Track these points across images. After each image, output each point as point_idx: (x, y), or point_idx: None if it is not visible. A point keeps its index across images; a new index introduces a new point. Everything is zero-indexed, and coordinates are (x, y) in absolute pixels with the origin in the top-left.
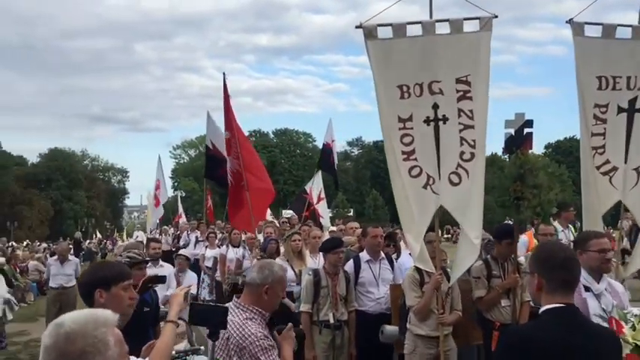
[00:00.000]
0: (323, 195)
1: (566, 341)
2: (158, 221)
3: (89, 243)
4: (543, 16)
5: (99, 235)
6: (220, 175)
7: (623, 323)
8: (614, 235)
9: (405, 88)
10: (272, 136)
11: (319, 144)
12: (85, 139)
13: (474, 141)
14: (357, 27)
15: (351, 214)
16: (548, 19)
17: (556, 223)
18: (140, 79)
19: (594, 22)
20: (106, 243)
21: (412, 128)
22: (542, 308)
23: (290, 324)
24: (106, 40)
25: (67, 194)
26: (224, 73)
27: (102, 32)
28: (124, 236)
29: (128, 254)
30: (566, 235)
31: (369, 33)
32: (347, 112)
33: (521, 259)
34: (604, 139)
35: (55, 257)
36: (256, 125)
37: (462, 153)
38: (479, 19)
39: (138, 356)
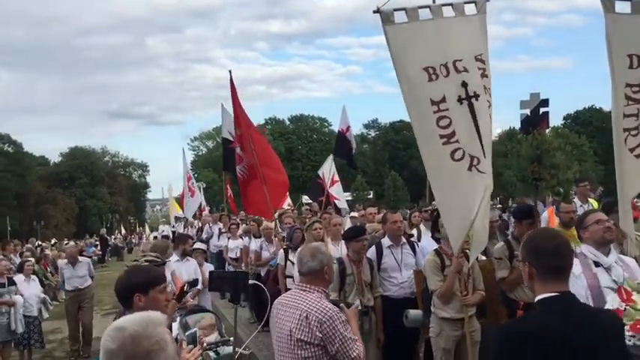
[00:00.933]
0: (337, 178)
1: (563, 332)
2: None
3: (114, 239)
4: None
5: (123, 231)
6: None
7: (633, 292)
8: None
9: (431, 70)
10: (288, 122)
11: (335, 128)
12: (105, 136)
13: (491, 118)
14: (374, 12)
15: (371, 196)
16: None
17: (576, 199)
18: (155, 73)
19: None
20: (131, 238)
21: (447, 109)
22: (537, 298)
23: (355, 303)
24: (119, 36)
25: (89, 191)
26: (230, 71)
27: (115, 28)
28: (147, 230)
29: (146, 259)
30: (585, 210)
31: (387, 18)
32: (362, 95)
33: None
34: (637, 119)
35: (66, 260)
36: (271, 113)
37: (491, 131)
38: (475, 3)
39: None
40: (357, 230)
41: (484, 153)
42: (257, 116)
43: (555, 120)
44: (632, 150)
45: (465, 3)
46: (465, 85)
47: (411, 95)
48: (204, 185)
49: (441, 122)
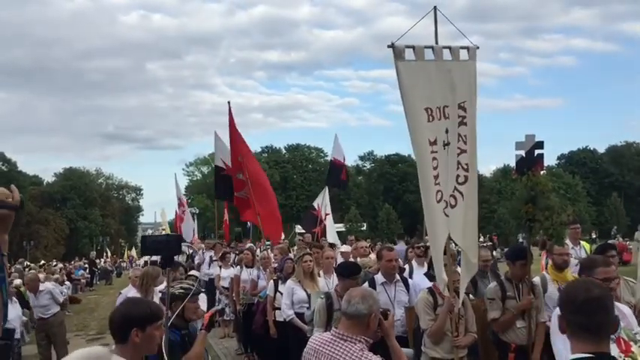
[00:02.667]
0: (329, 210)
1: None
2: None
3: (104, 262)
4: (552, 27)
5: (110, 254)
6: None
7: (631, 343)
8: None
9: (429, 111)
10: (284, 151)
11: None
12: (100, 158)
13: (467, 164)
14: (388, 46)
15: (364, 228)
16: (557, 29)
17: (567, 241)
18: (153, 98)
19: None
20: (120, 262)
21: (437, 152)
22: (570, 357)
23: (392, 311)
24: (119, 59)
25: (82, 213)
26: (229, 102)
27: (115, 52)
28: (134, 254)
29: (182, 285)
30: (576, 252)
31: (399, 54)
32: (358, 127)
33: (536, 279)
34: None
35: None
36: (268, 141)
37: (458, 176)
38: (467, 49)
39: None
40: (353, 268)
41: (448, 196)
42: (254, 144)
43: (549, 160)
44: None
45: (461, 48)
46: (447, 131)
47: (415, 133)
48: (197, 211)
49: (433, 163)
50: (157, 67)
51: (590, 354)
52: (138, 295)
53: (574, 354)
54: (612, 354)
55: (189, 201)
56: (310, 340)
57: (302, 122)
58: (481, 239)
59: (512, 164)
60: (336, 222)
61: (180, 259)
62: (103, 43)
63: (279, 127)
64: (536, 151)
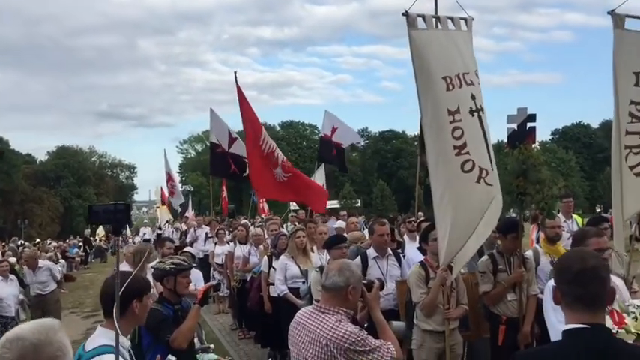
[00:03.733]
0: (325, 188)
1: None
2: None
3: (99, 240)
4: (547, 2)
5: (103, 232)
6: (233, 172)
7: (624, 314)
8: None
9: (448, 80)
10: (278, 129)
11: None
12: (94, 136)
13: None
14: (403, 14)
15: (359, 204)
16: (552, 4)
17: (560, 215)
18: (146, 75)
19: (636, 15)
20: (116, 240)
21: (461, 120)
22: (564, 327)
23: (377, 282)
24: (111, 37)
25: (76, 191)
26: (235, 72)
27: (107, 29)
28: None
29: (173, 261)
30: (568, 226)
31: (412, 22)
32: (352, 103)
33: (528, 252)
34: None
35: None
36: (262, 118)
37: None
38: (465, 20)
39: None
40: (337, 238)
41: (492, 165)
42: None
43: (543, 135)
44: (632, 168)
45: (461, 19)
46: (473, 97)
47: (431, 103)
48: (192, 189)
49: (455, 133)
50: (149, 44)
51: (585, 324)
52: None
53: (568, 324)
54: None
55: (184, 179)
56: (297, 314)
57: (295, 99)
58: None
59: (505, 139)
60: (330, 199)
61: (173, 235)
62: (95, 20)
63: (273, 104)
64: (528, 124)
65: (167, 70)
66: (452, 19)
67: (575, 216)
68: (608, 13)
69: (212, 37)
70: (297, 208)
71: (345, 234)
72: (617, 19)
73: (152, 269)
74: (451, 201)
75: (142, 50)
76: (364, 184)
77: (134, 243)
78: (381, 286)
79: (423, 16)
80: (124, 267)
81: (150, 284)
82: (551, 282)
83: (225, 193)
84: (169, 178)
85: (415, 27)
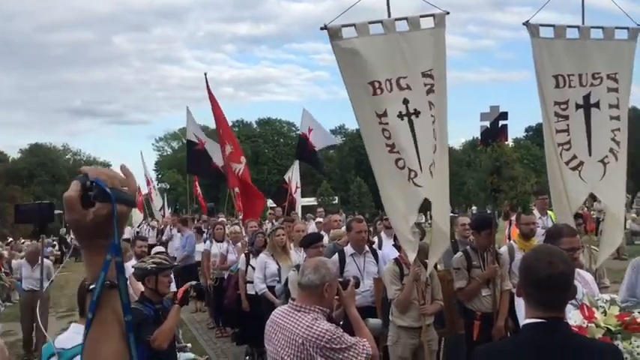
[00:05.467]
0: (299, 184)
1: None
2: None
3: (73, 239)
4: (521, 0)
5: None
6: (210, 168)
7: (594, 309)
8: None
9: (376, 84)
10: (255, 126)
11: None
12: (68, 134)
13: (437, 133)
14: (321, 29)
15: (336, 201)
16: (525, 2)
17: (535, 211)
18: (120, 72)
19: (547, 23)
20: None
21: (388, 123)
22: (524, 322)
23: (353, 279)
24: (85, 32)
25: (50, 190)
26: (205, 74)
27: (80, 25)
28: None
29: (154, 260)
30: (543, 222)
31: (335, 34)
32: (329, 100)
33: (503, 248)
34: (568, 134)
35: (25, 259)
36: (239, 115)
37: (435, 146)
38: (433, 16)
39: None
40: (314, 237)
41: (421, 167)
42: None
43: (517, 132)
44: (567, 163)
45: (422, 17)
46: (405, 102)
47: (358, 107)
48: (168, 187)
49: (385, 133)
50: (123, 41)
51: (543, 319)
52: None
53: (527, 319)
54: (576, 320)
55: (160, 177)
56: (272, 313)
57: (272, 96)
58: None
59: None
60: (308, 196)
61: (149, 234)
62: (68, 15)
63: (250, 101)
64: (501, 122)
65: (142, 66)
66: (407, 19)
67: (550, 212)
68: (524, 24)
69: (187, 33)
70: (274, 205)
71: (322, 231)
72: (533, 29)
73: (132, 269)
74: (389, 197)
75: (116, 46)
76: (341, 181)
77: None
78: (357, 284)
79: (354, 25)
80: None
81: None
82: None
83: (199, 191)
84: (148, 182)
85: (339, 37)
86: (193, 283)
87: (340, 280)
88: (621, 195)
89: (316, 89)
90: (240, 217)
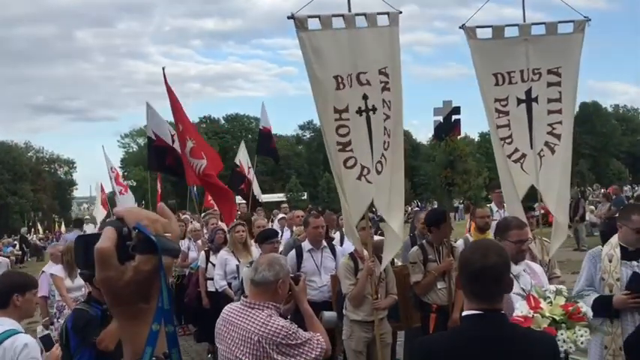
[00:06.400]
0: (250, 164)
1: (476, 357)
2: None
3: (37, 238)
4: None
5: (40, 230)
6: (169, 165)
7: (540, 300)
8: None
9: (340, 79)
10: (223, 122)
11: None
12: (29, 131)
13: (390, 130)
14: (288, 17)
15: (305, 197)
16: None
17: (492, 205)
18: (84, 67)
19: (484, 25)
20: (53, 237)
21: (348, 119)
22: (463, 313)
23: (304, 275)
24: (46, 27)
25: (11, 188)
26: (163, 68)
27: (41, 19)
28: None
29: None
30: (500, 215)
31: (301, 24)
32: (297, 96)
33: (459, 242)
34: (509, 129)
35: None
36: (206, 111)
37: (385, 142)
38: (388, 14)
39: None
40: (269, 233)
41: (373, 164)
42: (191, 114)
43: (485, 126)
44: (509, 156)
45: (378, 14)
46: (365, 97)
47: (319, 101)
48: (134, 184)
49: (340, 130)
50: (86, 35)
51: (481, 311)
52: (62, 272)
53: (466, 311)
54: (523, 310)
55: (126, 174)
56: (222, 310)
57: (240, 92)
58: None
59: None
60: (276, 191)
61: None
62: (28, 9)
63: (218, 97)
64: (454, 117)
65: (107, 62)
66: (365, 15)
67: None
68: (460, 27)
69: (153, 28)
70: (244, 202)
71: (285, 227)
72: (469, 31)
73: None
74: (342, 192)
75: (79, 41)
76: (310, 177)
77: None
78: (297, 281)
79: (319, 17)
80: (51, 267)
81: (36, 282)
82: None
83: (160, 189)
84: (117, 176)
85: (305, 28)
86: None
87: (291, 275)
88: (557, 187)
89: (284, 85)
90: (206, 214)
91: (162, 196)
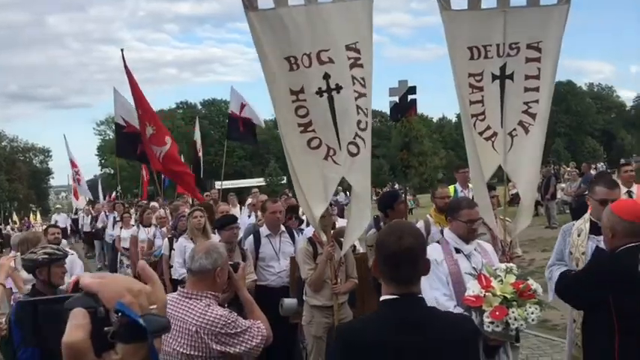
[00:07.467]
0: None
1: (394, 342)
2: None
3: (12, 229)
4: None
5: (16, 220)
6: (139, 151)
7: (491, 278)
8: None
9: (292, 60)
10: (200, 107)
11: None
12: (3, 119)
13: (366, 109)
14: None
15: (284, 181)
16: None
17: (457, 185)
18: (58, 54)
19: None
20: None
21: (305, 100)
22: (381, 298)
23: (242, 263)
24: (18, 13)
25: None
26: (122, 50)
27: (12, 5)
28: (38, 218)
29: (46, 250)
30: (466, 195)
31: (250, 4)
32: None
33: (419, 223)
34: (483, 105)
35: None
36: (183, 97)
37: (359, 122)
38: None
39: None
40: (228, 219)
41: (340, 146)
42: (168, 100)
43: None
44: (481, 133)
45: None
46: (327, 77)
47: (272, 84)
48: (112, 171)
49: (299, 112)
50: (59, 21)
51: (397, 295)
52: (19, 264)
53: (383, 296)
54: (474, 290)
55: (103, 161)
56: None
57: (217, 76)
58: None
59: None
60: (256, 176)
61: (84, 220)
62: None
63: (194, 82)
64: (410, 97)
65: (81, 48)
66: None
67: (471, 185)
68: None
69: (127, 13)
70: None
71: (258, 212)
72: (443, 2)
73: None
74: (300, 174)
75: (51, 27)
76: None
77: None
78: (235, 269)
79: None
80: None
81: None
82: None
83: (146, 176)
84: (73, 165)
85: (254, 8)
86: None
87: (230, 263)
88: (528, 168)
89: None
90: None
91: (149, 183)
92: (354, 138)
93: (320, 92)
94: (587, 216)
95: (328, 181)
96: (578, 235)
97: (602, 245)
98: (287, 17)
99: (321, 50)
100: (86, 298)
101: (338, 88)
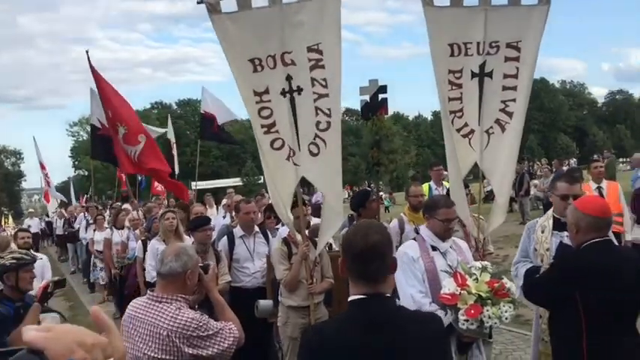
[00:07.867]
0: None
1: (362, 343)
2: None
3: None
4: None
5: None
6: (110, 155)
7: (467, 277)
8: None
9: (257, 62)
10: (175, 107)
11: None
12: None
13: (329, 110)
14: (198, 2)
15: (262, 181)
16: None
17: (432, 183)
18: (28, 54)
19: None
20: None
21: (270, 101)
22: (349, 298)
23: (213, 264)
24: None
25: None
26: (87, 52)
27: None
28: (10, 222)
29: (14, 255)
30: (440, 193)
31: (213, 7)
32: None
33: (393, 221)
34: (461, 102)
35: None
36: (158, 97)
37: (319, 123)
38: None
39: None
40: (201, 220)
41: (299, 146)
42: (142, 100)
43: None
44: (458, 130)
45: None
46: (289, 78)
47: (239, 85)
48: (86, 173)
49: (262, 112)
50: (29, 21)
51: (365, 295)
52: None
53: (351, 296)
54: (450, 288)
55: (77, 163)
56: (128, 306)
57: (193, 76)
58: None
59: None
60: (232, 176)
61: (57, 224)
62: None
63: (169, 82)
64: (380, 96)
65: (53, 48)
66: None
67: (445, 183)
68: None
69: (100, 12)
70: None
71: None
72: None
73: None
74: (269, 175)
75: (22, 27)
76: None
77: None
78: (206, 271)
79: None
80: None
81: None
82: (402, 248)
83: (124, 177)
84: (42, 167)
85: (218, 11)
86: (55, 279)
87: (200, 264)
88: (503, 166)
89: None
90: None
91: (126, 184)
92: (314, 138)
93: (284, 93)
94: (550, 212)
95: (290, 182)
96: (542, 232)
97: (566, 241)
98: (251, 20)
99: (285, 52)
100: (31, 356)
101: (299, 90)
